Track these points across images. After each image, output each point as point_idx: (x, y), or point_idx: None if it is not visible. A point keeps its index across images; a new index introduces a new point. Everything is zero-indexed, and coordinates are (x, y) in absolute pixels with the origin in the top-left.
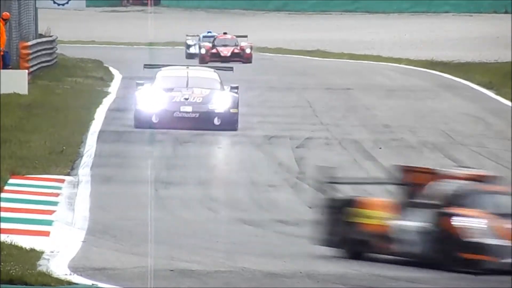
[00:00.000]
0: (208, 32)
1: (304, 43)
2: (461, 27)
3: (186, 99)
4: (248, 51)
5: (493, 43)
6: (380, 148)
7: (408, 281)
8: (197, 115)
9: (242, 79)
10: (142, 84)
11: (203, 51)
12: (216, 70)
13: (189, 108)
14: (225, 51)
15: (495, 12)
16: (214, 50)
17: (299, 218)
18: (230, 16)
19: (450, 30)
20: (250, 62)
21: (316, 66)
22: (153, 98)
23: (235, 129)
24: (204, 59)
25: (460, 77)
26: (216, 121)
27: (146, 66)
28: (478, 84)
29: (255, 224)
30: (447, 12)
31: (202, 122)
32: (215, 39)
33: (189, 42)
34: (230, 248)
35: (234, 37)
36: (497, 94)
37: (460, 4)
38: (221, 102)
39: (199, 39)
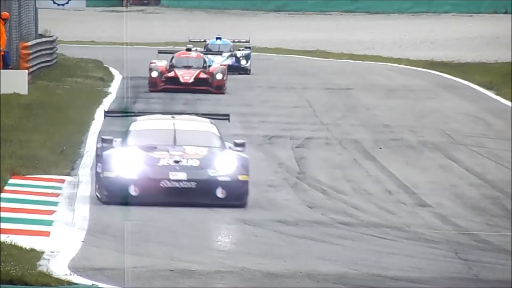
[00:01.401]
0: (217, 38)
1: (304, 43)
2: (461, 27)
3: (177, 162)
4: (219, 76)
5: (493, 43)
6: (380, 148)
7: (408, 281)
8: (194, 184)
9: (242, 79)
10: (110, 141)
11: (154, 73)
12: (212, 121)
13: (182, 175)
14: (187, 76)
15: (495, 12)
16: (171, 74)
17: (299, 218)
18: (230, 16)
19: (450, 30)
20: (222, 92)
21: (316, 66)
22: (128, 161)
23: (244, 205)
24: (155, 85)
25: (460, 77)
26: (220, 193)
27: (108, 114)
28: (478, 84)
29: (255, 224)
30: (447, 12)
31: (201, 194)
32: (173, 57)
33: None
34: (230, 248)
35: (201, 55)
36: (497, 94)
37: (460, 4)
38: (225, 165)
39: (205, 47)
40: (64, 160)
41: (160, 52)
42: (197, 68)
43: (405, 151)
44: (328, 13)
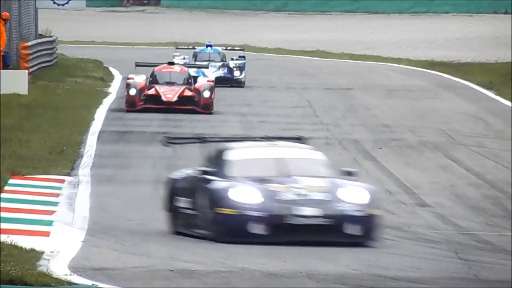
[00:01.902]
0: (208, 45)
1: (304, 43)
2: (461, 27)
3: (299, 195)
4: (206, 94)
5: (493, 43)
6: (380, 148)
7: (408, 281)
8: (321, 220)
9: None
10: (210, 173)
11: (132, 91)
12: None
13: (307, 210)
14: (170, 93)
15: (495, 12)
16: (151, 91)
17: None
18: (230, 16)
19: (450, 30)
20: (210, 112)
21: (316, 66)
22: (246, 196)
23: (374, 241)
24: (133, 104)
25: (460, 77)
26: (352, 230)
27: (170, 141)
28: (478, 84)
29: None
30: (447, 12)
31: (329, 231)
32: (153, 72)
33: (177, 59)
34: (230, 248)
35: (185, 70)
36: (497, 94)
37: (460, 4)
38: (356, 198)
39: (194, 56)
40: (64, 160)
41: (138, 65)
42: (181, 84)
43: (405, 151)
44: (328, 13)
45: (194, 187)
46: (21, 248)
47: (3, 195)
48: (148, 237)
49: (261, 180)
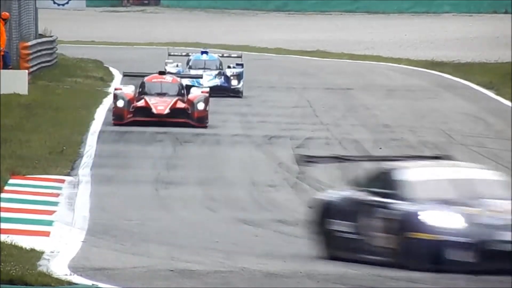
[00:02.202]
0: (203, 52)
1: (304, 43)
2: (461, 27)
3: (498, 219)
4: (200, 106)
5: (493, 43)
6: (380, 148)
7: (408, 281)
8: None
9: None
10: (381, 195)
11: (120, 103)
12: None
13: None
14: (161, 105)
15: (495, 12)
16: (141, 103)
17: (299, 218)
18: (230, 16)
19: (450, 30)
20: (204, 125)
21: (316, 66)
22: (445, 219)
23: None
24: (120, 117)
25: (460, 77)
26: None
27: (309, 159)
28: (478, 84)
29: (255, 224)
30: (447, 12)
31: None
32: (143, 82)
33: (169, 67)
34: (230, 248)
35: (177, 80)
36: (497, 94)
37: (460, 4)
38: None
39: (188, 63)
40: (64, 160)
41: (125, 75)
42: (173, 95)
43: (405, 151)
44: (328, 13)
45: (359, 210)
46: (21, 248)
47: (3, 195)
48: (148, 237)
49: (451, 203)
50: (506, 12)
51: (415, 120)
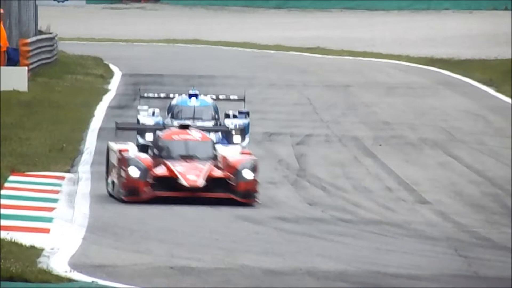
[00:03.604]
0: (192, 95)
1: (304, 40)
2: (461, 24)
3: None
4: (247, 174)
5: (493, 40)
6: (380, 145)
7: (408, 279)
8: None
9: (242, 76)
10: None
11: (135, 171)
12: None
13: None
14: (192, 175)
15: (495, 9)
16: (162, 171)
17: (299, 215)
18: (230, 13)
19: (450, 27)
20: (254, 200)
21: (316, 63)
22: None
23: None
24: (135, 192)
25: (460, 74)
26: None
27: None
28: (478, 81)
29: (255, 221)
30: (447, 9)
31: None
32: (158, 139)
33: (143, 117)
34: (230, 245)
35: (208, 137)
36: (497, 91)
37: (460, 1)
38: None
39: (170, 110)
40: (64, 157)
41: (118, 128)
42: (205, 159)
43: (405, 148)
44: (328, 10)
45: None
46: (21, 245)
47: (3, 192)
48: (148, 234)
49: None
50: (506, 9)
51: (415, 117)
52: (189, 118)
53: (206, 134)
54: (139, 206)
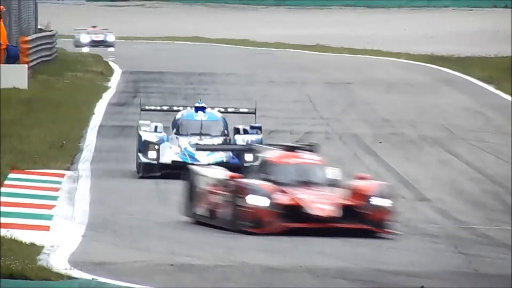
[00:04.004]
0: (199, 108)
1: (304, 38)
2: (461, 21)
3: None
4: (380, 202)
5: (493, 38)
6: (380, 142)
7: (408, 276)
8: None
9: (242, 74)
10: None
11: (263, 201)
12: None
13: None
14: (321, 203)
15: (495, 6)
16: (286, 199)
17: None
18: (230, 10)
19: (450, 25)
20: (389, 231)
21: (316, 61)
22: None
23: None
24: (265, 222)
25: (460, 72)
26: None
27: None
28: (478, 78)
29: None
30: (446, 6)
31: None
32: (265, 163)
33: (145, 133)
34: (230, 242)
35: (321, 159)
36: (497, 88)
37: None
38: None
39: (175, 125)
40: (64, 154)
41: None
42: (323, 183)
43: (405, 145)
44: (328, 7)
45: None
46: (21, 242)
47: (3, 189)
48: (148, 231)
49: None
50: (506, 7)
51: (415, 115)
52: (196, 134)
53: (319, 157)
54: (138, 204)
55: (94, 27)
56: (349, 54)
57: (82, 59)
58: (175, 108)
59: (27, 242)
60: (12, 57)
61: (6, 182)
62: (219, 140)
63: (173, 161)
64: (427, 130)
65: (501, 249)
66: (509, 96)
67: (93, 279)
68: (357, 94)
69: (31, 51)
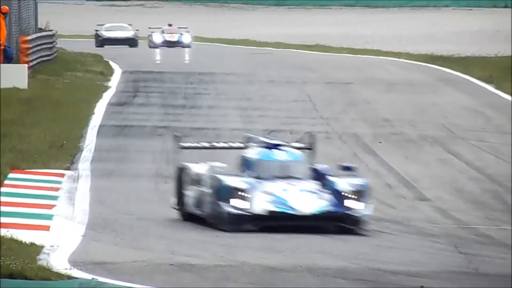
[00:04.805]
0: (273, 146)
1: (304, 38)
2: (461, 21)
3: None
4: None
5: (493, 37)
6: (380, 142)
7: (408, 275)
8: None
9: (242, 73)
10: None
11: None
12: None
13: None
14: None
15: (495, 6)
16: None
17: None
18: (230, 10)
19: (450, 24)
20: None
21: (316, 60)
22: None
23: None
24: None
25: (460, 71)
26: None
27: None
28: (478, 78)
29: None
30: (446, 6)
31: None
32: None
33: (227, 178)
34: (230, 242)
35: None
36: (496, 88)
37: None
38: None
39: (247, 165)
40: (64, 154)
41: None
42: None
43: (405, 145)
44: (328, 7)
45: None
46: (21, 242)
47: (3, 189)
48: (148, 231)
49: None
50: (505, 7)
51: (415, 114)
52: (281, 178)
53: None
54: (138, 204)
55: (169, 25)
56: (349, 53)
57: (82, 59)
58: (216, 144)
59: (27, 242)
60: (7, 58)
61: (6, 181)
62: (312, 185)
63: (270, 212)
64: (427, 129)
65: (501, 249)
66: (509, 96)
67: (93, 279)
68: (357, 93)
69: (31, 51)
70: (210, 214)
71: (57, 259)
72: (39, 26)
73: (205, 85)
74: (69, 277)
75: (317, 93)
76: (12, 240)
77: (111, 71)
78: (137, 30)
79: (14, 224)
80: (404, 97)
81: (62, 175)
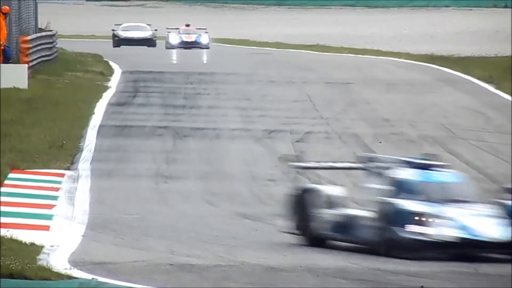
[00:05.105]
0: (428, 167)
1: (304, 38)
2: (461, 21)
3: None
4: None
5: (493, 37)
6: (380, 142)
7: (408, 275)
8: None
9: (242, 73)
10: None
11: None
12: None
13: None
14: None
15: (495, 6)
16: None
17: None
18: (230, 10)
19: (450, 25)
20: None
21: (316, 60)
22: None
23: None
24: None
25: (460, 71)
26: None
27: None
28: (478, 78)
29: (254, 218)
30: (447, 6)
31: None
32: None
33: (405, 202)
34: (230, 242)
35: None
36: (497, 88)
37: None
38: None
39: (402, 188)
40: (64, 154)
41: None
42: None
43: (405, 145)
44: (328, 7)
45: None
46: (21, 242)
47: (3, 189)
48: (148, 231)
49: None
50: (506, 7)
51: (415, 114)
52: (444, 202)
53: None
54: (138, 204)
55: (187, 25)
56: (349, 53)
57: (82, 59)
58: (338, 164)
59: (27, 242)
60: (6, 58)
61: (6, 182)
62: (485, 209)
63: (462, 239)
64: (427, 129)
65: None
66: (509, 96)
67: (93, 279)
68: (357, 93)
69: (31, 51)
70: (370, 240)
71: (57, 259)
72: (39, 26)
73: (205, 85)
74: (69, 277)
75: (317, 93)
76: (12, 240)
77: (111, 71)
78: (155, 30)
79: (14, 224)
80: (404, 97)
81: (62, 175)
